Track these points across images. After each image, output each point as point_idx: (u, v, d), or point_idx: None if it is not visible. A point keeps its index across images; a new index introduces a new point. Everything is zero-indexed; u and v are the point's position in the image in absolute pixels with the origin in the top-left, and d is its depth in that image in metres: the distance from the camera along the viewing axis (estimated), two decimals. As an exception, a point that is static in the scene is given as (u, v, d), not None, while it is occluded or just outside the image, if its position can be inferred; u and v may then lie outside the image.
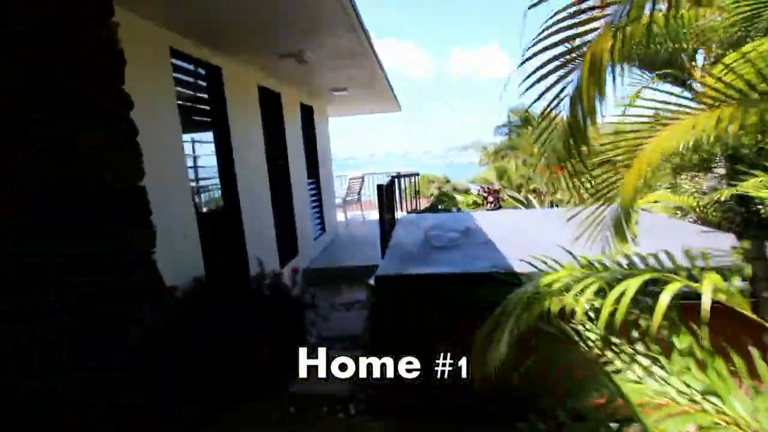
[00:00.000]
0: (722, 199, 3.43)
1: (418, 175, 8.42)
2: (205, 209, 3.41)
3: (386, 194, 5.64)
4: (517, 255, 2.43)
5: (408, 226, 3.68)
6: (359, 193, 9.12)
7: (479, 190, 8.00)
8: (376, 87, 5.55)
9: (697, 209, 4.06)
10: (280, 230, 4.70)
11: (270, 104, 4.80)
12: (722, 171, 4.13)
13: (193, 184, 3.24)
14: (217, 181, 3.54)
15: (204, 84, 3.36)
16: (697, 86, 4.23)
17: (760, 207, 2.48)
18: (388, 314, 2.20)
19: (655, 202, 4.84)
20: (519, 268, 2.18)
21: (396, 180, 7.02)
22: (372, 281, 2.28)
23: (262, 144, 4.33)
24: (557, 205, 5.79)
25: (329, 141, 7.66)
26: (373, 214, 10.29)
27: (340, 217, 8.66)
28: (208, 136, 3.46)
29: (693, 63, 4.15)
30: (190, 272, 2.78)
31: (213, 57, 3.37)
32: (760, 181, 1.62)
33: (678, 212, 5.12)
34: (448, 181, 26.18)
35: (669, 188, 5.83)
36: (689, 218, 5.15)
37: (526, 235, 2.94)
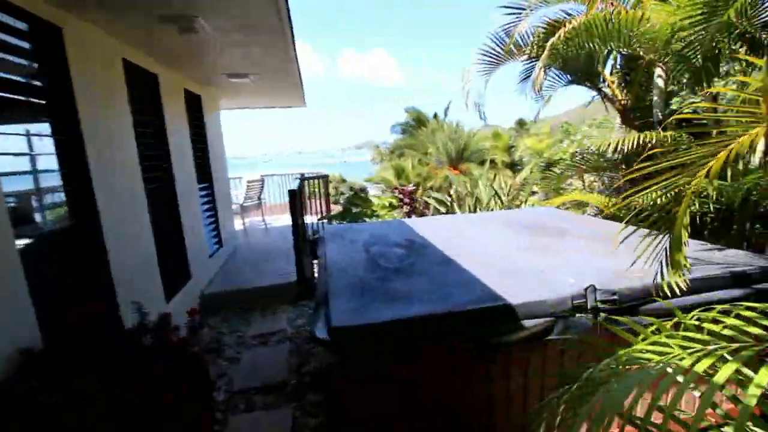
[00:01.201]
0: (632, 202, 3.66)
1: (327, 176, 7.76)
2: (32, 234, 2.25)
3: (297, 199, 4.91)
4: (489, 274, 2.06)
5: (339, 241, 3.08)
6: (259, 198, 8.06)
7: (395, 192, 7.73)
8: (286, 76, 4.75)
9: (609, 208, 4.35)
10: (165, 251, 3.62)
11: (144, 88, 3.65)
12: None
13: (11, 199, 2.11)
14: (59, 191, 2.42)
15: (29, 49, 2.22)
16: (607, 91, 4.55)
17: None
18: (359, 390, 1.61)
19: (565, 201, 5.11)
20: (505, 293, 1.80)
21: (303, 183, 6.28)
22: (320, 332, 1.65)
23: (132, 139, 3.22)
24: (478, 208, 5.84)
25: (222, 138, 6.50)
26: (277, 220, 9.29)
27: (238, 225, 7.51)
28: (42, 127, 2.33)
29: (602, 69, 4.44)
30: (5, 342, 1.74)
31: (49, 10, 2.26)
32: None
33: (586, 209, 5.52)
34: (344, 181, 25.95)
35: (578, 188, 6.29)
36: (589, 211, 5.63)
37: (485, 248, 2.62)
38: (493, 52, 4.19)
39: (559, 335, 1.76)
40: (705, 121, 3.69)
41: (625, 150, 3.16)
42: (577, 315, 1.77)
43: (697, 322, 1.13)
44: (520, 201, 6.52)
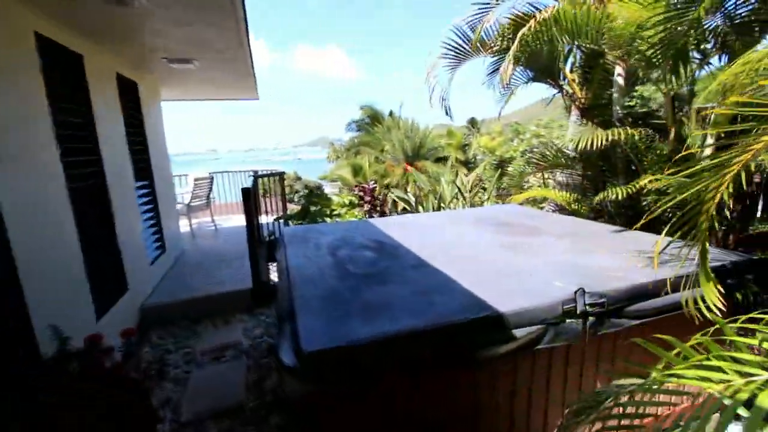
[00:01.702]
0: (596, 199, 3.72)
1: (283, 174, 7.33)
2: None
3: (253, 198, 4.52)
4: (470, 278, 1.91)
5: (301, 244, 2.79)
6: (208, 197, 7.45)
7: (355, 190, 7.47)
8: (237, 63, 4.32)
9: (572, 204, 4.42)
10: (94, 262, 3.12)
11: (64, 70, 3.11)
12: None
13: None
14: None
15: None
16: (567, 88, 4.61)
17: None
18: (334, 411, 1.36)
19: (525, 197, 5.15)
20: (491, 300, 1.65)
21: (257, 180, 5.86)
22: (286, 356, 1.39)
23: (49, 131, 2.71)
24: (442, 206, 5.75)
25: (164, 131, 5.88)
26: (228, 221, 8.67)
27: (185, 227, 6.89)
28: None
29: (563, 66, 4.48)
30: None
31: None
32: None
33: (543, 205, 5.62)
34: (299, 178, 25.22)
35: (533, 185, 6.40)
36: (547, 208, 5.75)
37: (460, 249, 2.48)
38: (457, 46, 4.08)
39: (550, 343, 1.64)
40: (662, 120, 3.83)
41: (596, 147, 3.15)
42: (567, 320, 1.66)
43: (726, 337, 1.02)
44: (480, 198, 6.54)
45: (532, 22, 2.83)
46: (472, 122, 30.97)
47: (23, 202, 2.29)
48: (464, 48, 4.03)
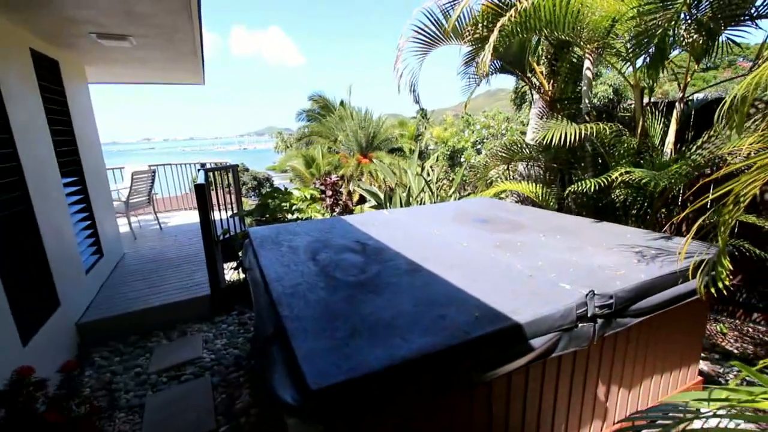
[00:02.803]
0: (567, 191, 3.77)
1: (236, 167, 6.78)
2: None
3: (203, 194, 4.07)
4: (472, 284, 1.78)
5: (273, 248, 2.50)
6: (149, 193, 6.72)
7: (316, 183, 7.10)
8: (183, 41, 3.80)
9: (540, 196, 4.47)
10: (14, 276, 2.59)
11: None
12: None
13: None
14: None
15: None
16: (534, 80, 4.63)
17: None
18: None
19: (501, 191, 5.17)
20: (504, 308, 1.52)
21: (207, 175, 5.35)
22: (285, 393, 1.16)
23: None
24: (410, 199, 5.61)
25: (94, 119, 5.13)
26: (172, 218, 7.92)
27: (124, 227, 6.17)
28: None
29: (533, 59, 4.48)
30: None
31: None
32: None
33: (508, 196, 5.69)
34: (246, 170, 24.04)
35: (493, 177, 6.46)
36: (509, 199, 5.84)
37: (450, 249, 2.33)
38: (427, 31, 3.91)
39: (564, 350, 1.55)
40: (627, 115, 3.96)
41: (568, 141, 3.15)
42: (580, 325, 1.58)
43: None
44: (445, 192, 6.51)
45: (512, 11, 2.73)
46: (423, 113, 31.27)
47: None
48: (436, 34, 3.87)
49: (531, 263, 2.03)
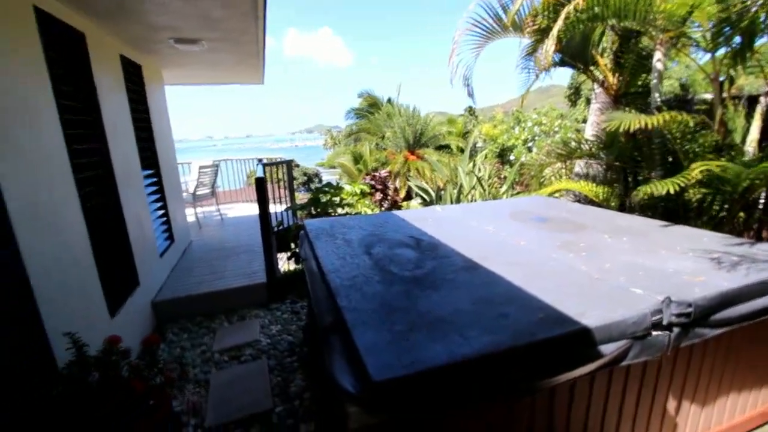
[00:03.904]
0: (640, 195, 3.53)
1: (291, 162, 7.09)
2: None
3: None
4: (534, 284, 1.73)
5: (329, 240, 2.59)
6: (213, 186, 7.21)
7: (366, 179, 7.23)
8: (247, 43, 4.04)
9: (600, 196, 4.23)
10: (105, 256, 2.92)
11: (67, 50, 2.85)
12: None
13: None
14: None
15: None
16: (598, 74, 4.38)
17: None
18: None
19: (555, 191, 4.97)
20: (569, 310, 1.47)
21: (265, 169, 5.64)
22: (346, 381, 1.21)
23: (54, 115, 2.47)
24: (461, 197, 5.54)
25: (168, 117, 5.60)
26: (231, 209, 8.44)
27: (190, 216, 6.67)
28: None
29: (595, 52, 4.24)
30: None
31: None
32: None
33: (564, 195, 5.44)
34: (297, 166, 24.84)
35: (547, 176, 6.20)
36: (565, 199, 5.57)
37: (507, 247, 2.28)
38: (484, 24, 3.82)
39: (634, 359, 1.47)
40: (701, 110, 3.63)
41: (638, 132, 2.94)
42: (653, 333, 1.49)
43: None
44: (496, 189, 6.34)
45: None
46: (471, 110, 30.51)
47: (29, 197, 2.07)
48: (493, 27, 3.77)
49: (597, 265, 1.93)
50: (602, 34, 4.08)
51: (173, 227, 4.92)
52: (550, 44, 2.72)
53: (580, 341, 1.37)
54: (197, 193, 6.66)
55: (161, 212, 4.68)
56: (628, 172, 4.25)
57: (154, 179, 4.60)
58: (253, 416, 2.46)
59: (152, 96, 4.78)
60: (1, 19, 2.06)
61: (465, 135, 23.96)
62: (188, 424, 2.43)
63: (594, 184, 4.10)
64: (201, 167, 6.72)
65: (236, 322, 3.80)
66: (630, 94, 4.20)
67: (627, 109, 4.05)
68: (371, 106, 22.31)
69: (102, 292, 2.79)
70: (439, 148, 19.54)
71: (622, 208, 4.18)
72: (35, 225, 2.07)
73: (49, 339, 2.00)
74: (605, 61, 4.16)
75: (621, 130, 3.25)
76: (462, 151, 20.36)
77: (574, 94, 27.71)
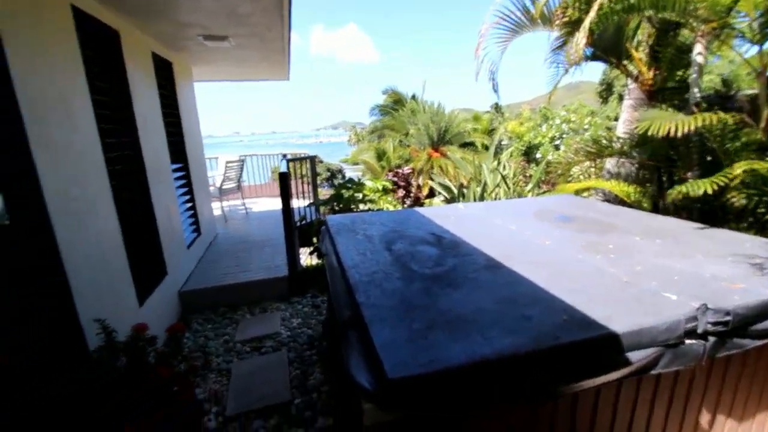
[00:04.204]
0: (673, 196, 3.36)
1: (314, 157, 7.15)
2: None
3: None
4: (559, 285, 1.67)
5: (350, 235, 2.60)
6: (239, 180, 7.37)
7: (389, 175, 7.21)
8: (273, 40, 4.09)
9: (631, 196, 4.05)
10: (135, 246, 3.03)
11: (102, 47, 2.96)
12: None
13: None
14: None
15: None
16: (632, 68, 4.19)
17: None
18: None
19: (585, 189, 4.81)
20: (594, 313, 1.41)
21: (288, 164, 5.70)
22: (362, 377, 1.20)
23: (89, 109, 2.58)
24: (485, 195, 5.45)
25: (197, 113, 5.75)
26: (256, 204, 8.62)
27: (216, 210, 6.85)
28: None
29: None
30: None
31: None
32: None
33: (592, 194, 5.25)
34: (320, 162, 25.08)
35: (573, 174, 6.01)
36: (595, 196, 5.37)
37: (532, 247, 2.22)
38: (512, 17, 3.71)
39: (665, 368, 1.39)
40: (745, 106, 3.40)
41: (680, 133, 2.79)
42: (687, 342, 1.41)
43: None
44: (520, 188, 6.19)
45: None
46: (496, 107, 29.85)
47: (66, 190, 2.16)
48: (521, 20, 3.66)
49: (626, 268, 1.85)
50: (638, 26, 3.89)
51: (200, 220, 5.06)
52: (581, 37, 2.61)
53: (607, 347, 1.31)
54: (224, 187, 6.83)
55: (189, 205, 4.82)
56: (662, 172, 4.05)
57: (183, 173, 4.74)
58: (273, 407, 2.51)
59: (182, 92, 4.92)
60: (41, 17, 2.16)
61: (490, 132, 23.50)
62: (210, 412, 2.50)
63: (625, 184, 3.93)
64: (228, 162, 6.88)
65: (258, 314, 3.87)
66: (667, 90, 3.99)
67: (663, 106, 3.86)
68: (395, 102, 22.19)
69: (132, 281, 2.90)
70: (464, 145, 19.26)
71: (655, 209, 4.00)
72: (71, 217, 2.17)
73: (82, 325, 2.09)
74: (640, 54, 3.96)
75: (650, 133, 3.11)
76: (487, 148, 20.01)
77: (606, 91, 26.69)
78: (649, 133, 3.31)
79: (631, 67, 4.08)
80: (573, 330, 1.32)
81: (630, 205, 3.93)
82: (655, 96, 3.92)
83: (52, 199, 1.98)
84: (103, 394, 1.87)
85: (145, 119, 3.55)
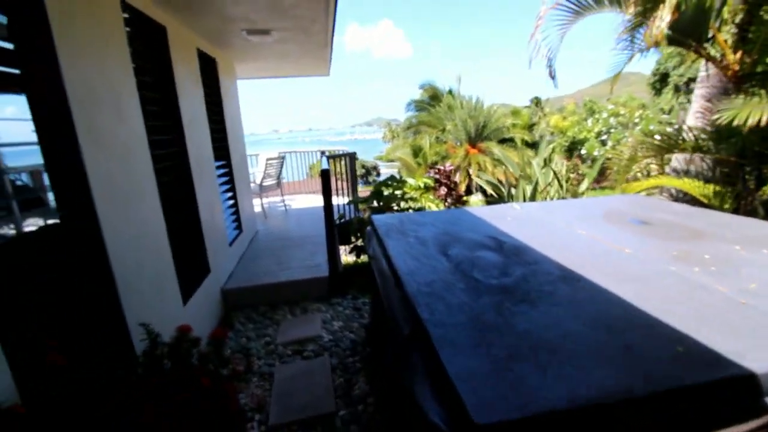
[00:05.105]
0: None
1: (354, 154, 7.04)
2: None
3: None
4: (653, 303, 1.39)
5: (400, 237, 2.41)
6: (278, 177, 7.40)
7: (430, 172, 6.99)
8: (317, 33, 3.97)
9: (711, 197, 3.60)
10: (180, 244, 3.00)
11: (149, 43, 2.95)
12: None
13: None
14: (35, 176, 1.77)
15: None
16: (712, 51, 3.71)
17: None
18: None
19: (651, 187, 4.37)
20: (711, 342, 1.13)
21: (328, 161, 5.61)
22: (439, 420, 1.01)
23: (137, 106, 2.55)
24: (536, 194, 5.11)
25: (240, 110, 5.78)
26: (294, 200, 8.66)
27: (257, 207, 6.90)
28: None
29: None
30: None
31: None
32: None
33: (653, 192, 4.78)
34: (356, 159, 25.03)
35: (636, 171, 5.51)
36: (661, 196, 4.88)
37: (608, 255, 1.94)
38: None
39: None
40: None
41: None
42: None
43: None
44: (572, 186, 5.75)
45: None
46: (536, 101, 28.57)
47: (114, 186, 2.12)
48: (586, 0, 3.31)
49: (737, 285, 1.54)
50: (724, 2, 3.42)
51: (242, 217, 5.07)
52: (665, 13, 2.27)
53: (740, 390, 1.04)
54: (264, 184, 6.86)
55: (231, 202, 4.83)
56: (749, 169, 3.56)
57: (226, 170, 4.75)
58: (316, 418, 2.38)
59: (225, 89, 4.93)
60: (92, 12, 2.12)
61: (530, 127, 22.52)
62: (253, 420, 2.41)
63: (700, 183, 3.49)
64: (268, 159, 6.91)
65: (299, 315, 3.79)
66: (757, 75, 3.49)
67: (754, 92, 3.38)
68: (432, 98, 21.73)
69: (176, 280, 2.88)
70: (502, 141, 18.56)
71: (736, 211, 3.53)
72: (117, 214, 2.13)
73: (129, 328, 2.05)
74: (725, 35, 3.48)
75: (736, 123, 2.69)
76: (527, 144, 19.16)
77: (660, 81, 24.81)
78: (734, 123, 2.89)
79: (712, 51, 3.61)
80: (695, 367, 1.06)
81: (705, 206, 3.49)
82: (742, 82, 3.44)
83: (99, 194, 1.93)
84: (151, 398, 1.81)
85: (191, 116, 3.53)
